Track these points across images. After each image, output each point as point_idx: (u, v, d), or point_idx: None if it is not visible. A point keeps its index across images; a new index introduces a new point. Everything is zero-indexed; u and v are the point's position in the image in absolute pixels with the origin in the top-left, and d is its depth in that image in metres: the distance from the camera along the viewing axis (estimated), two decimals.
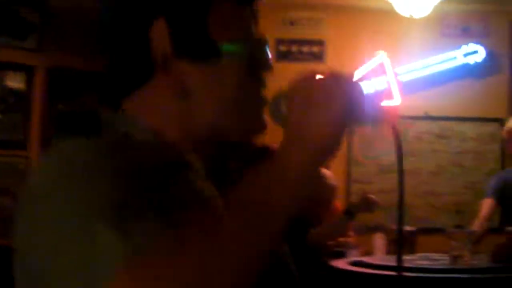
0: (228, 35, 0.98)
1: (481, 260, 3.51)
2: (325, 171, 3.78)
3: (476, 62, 5.29)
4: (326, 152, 0.86)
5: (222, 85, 1.00)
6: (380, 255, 4.27)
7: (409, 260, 3.52)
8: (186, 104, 0.98)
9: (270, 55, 1.02)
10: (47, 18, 5.14)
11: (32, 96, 5.13)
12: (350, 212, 3.76)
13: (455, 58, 5.30)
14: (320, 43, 5.50)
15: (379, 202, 3.89)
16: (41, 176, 0.88)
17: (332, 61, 5.36)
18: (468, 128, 5.36)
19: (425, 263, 3.43)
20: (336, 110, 0.85)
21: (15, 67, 5.13)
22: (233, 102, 1.00)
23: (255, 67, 1.01)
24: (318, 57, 5.48)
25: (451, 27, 5.44)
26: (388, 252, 4.35)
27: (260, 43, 1.02)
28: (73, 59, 5.12)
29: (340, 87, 0.87)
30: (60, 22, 5.16)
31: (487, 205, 4.22)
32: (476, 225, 4.16)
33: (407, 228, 4.43)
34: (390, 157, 4.97)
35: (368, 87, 0.91)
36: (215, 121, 1.00)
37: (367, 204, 3.86)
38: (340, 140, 0.86)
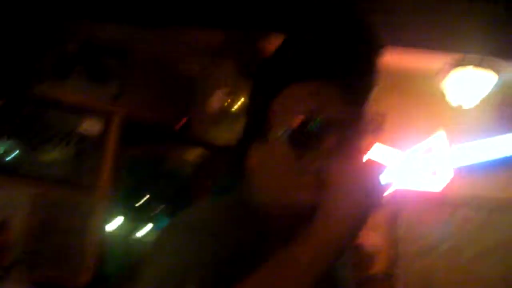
0: (282, 116, 1.12)
1: None
2: (368, 235, 3.87)
3: None
4: (342, 244, 0.98)
5: (269, 161, 1.13)
6: None
7: None
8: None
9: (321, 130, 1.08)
10: (128, 68, 5.42)
11: (106, 141, 5.40)
12: None
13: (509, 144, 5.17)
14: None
15: None
16: (163, 235, 1.11)
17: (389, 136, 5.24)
18: None
19: None
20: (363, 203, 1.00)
21: (93, 112, 5.39)
22: (276, 178, 1.12)
23: (299, 145, 1.08)
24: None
25: (507, 111, 5.22)
26: None
27: (307, 121, 1.08)
28: (150, 110, 5.42)
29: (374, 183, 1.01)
30: (141, 73, 5.46)
31: None
32: None
33: None
34: (433, 239, 5.03)
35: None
36: (265, 196, 1.15)
37: None
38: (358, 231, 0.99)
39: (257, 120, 1.15)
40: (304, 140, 1.07)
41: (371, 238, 4.03)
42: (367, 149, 4.33)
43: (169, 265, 1.01)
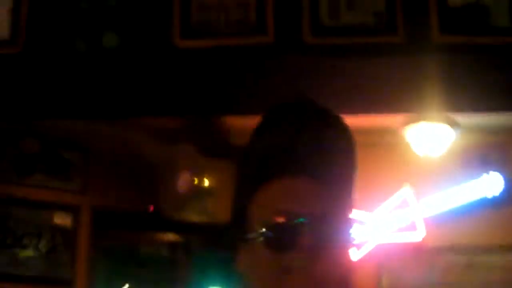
0: (258, 217, 1.09)
1: None
2: None
3: (496, 193, 5.28)
4: None
5: (253, 264, 1.10)
6: None
7: None
8: None
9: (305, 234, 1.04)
10: (90, 159, 5.43)
11: (78, 234, 5.39)
12: None
13: (476, 189, 5.29)
14: None
15: None
16: None
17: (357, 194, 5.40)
18: (495, 258, 5.31)
19: None
20: None
21: (62, 207, 5.36)
22: (262, 281, 1.09)
23: (276, 246, 1.05)
24: None
25: (470, 159, 5.38)
26: None
27: (282, 221, 1.05)
28: (116, 199, 5.38)
29: None
30: (104, 163, 5.45)
31: None
32: None
33: None
34: None
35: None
36: None
37: None
38: None
39: (238, 222, 1.13)
40: (281, 240, 1.05)
41: None
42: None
43: None
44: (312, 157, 1.08)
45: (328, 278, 1.04)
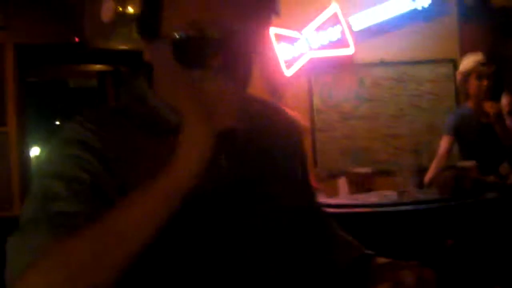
0: (173, 19, 1.02)
1: (428, 194, 3.73)
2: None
3: (424, 6, 5.27)
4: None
5: (157, 66, 1.10)
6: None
7: (363, 197, 3.75)
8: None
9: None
10: None
11: (3, 73, 5.27)
12: None
13: (405, 3, 5.27)
14: None
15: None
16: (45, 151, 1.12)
17: (286, 14, 5.22)
18: (423, 71, 5.39)
19: (375, 200, 3.65)
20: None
21: None
22: (165, 82, 1.09)
23: (182, 59, 1.00)
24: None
25: None
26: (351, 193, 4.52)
27: (193, 35, 0.99)
28: (39, 33, 5.21)
29: None
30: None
31: (445, 142, 4.42)
32: (434, 163, 4.32)
33: (365, 170, 4.61)
34: (350, 104, 5.19)
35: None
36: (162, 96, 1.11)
37: None
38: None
39: (151, 10, 1.06)
40: (188, 55, 0.99)
41: None
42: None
43: (43, 177, 1.04)
44: None
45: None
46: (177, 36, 0.99)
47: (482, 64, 4.21)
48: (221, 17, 0.98)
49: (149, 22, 1.06)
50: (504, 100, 4.16)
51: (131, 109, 1.14)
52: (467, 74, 4.25)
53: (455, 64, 5.18)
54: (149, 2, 1.07)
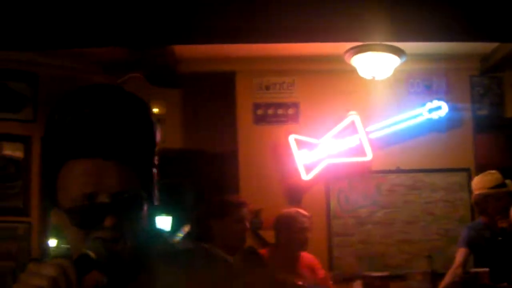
0: (63, 193, 1.15)
1: None
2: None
3: (440, 117, 5.45)
4: None
5: (63, 226, 1.17)
6: None
7: None
8: None
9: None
10: (40, 90, 5.38)
11: (30, 164, 5.36)
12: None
13: (421, 114, 5.46)
14: (294, 105, 5.60)
15: None
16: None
17: (306, 122, 5.54)
18: (438, 179, 5.52)
19: None
20: None
21: (13, 138, 5.36)
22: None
23: (79, 224, 1.12)
24: (293, 119, 5.62)
25: (415, 85, 5.61)
26: None
27: (83, 203, 1.12)
28: None
29: None
30: (52, 92, 5.30)
31: (460, 255, 4.45)
32: (449, 272, 4.39)
33: (380, 274, 4.70)
34: (366, 210, 5.30)
35: None
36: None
37: None
38: None
39: (48, 189, 1.18)
40: (84, 222, 1.11)
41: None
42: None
43: None
44: (106, 139, 1.13)
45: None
46: (71, 206, 1.12)
47: (499, 185, 4.36)
48: (104, 185, 1.12)
49: (48, 194, 1.18)
50: None
51: None
52: (486, 195, 4.39)
53: (469, 173, 5.33)
54: (46, 178, 1.19)
